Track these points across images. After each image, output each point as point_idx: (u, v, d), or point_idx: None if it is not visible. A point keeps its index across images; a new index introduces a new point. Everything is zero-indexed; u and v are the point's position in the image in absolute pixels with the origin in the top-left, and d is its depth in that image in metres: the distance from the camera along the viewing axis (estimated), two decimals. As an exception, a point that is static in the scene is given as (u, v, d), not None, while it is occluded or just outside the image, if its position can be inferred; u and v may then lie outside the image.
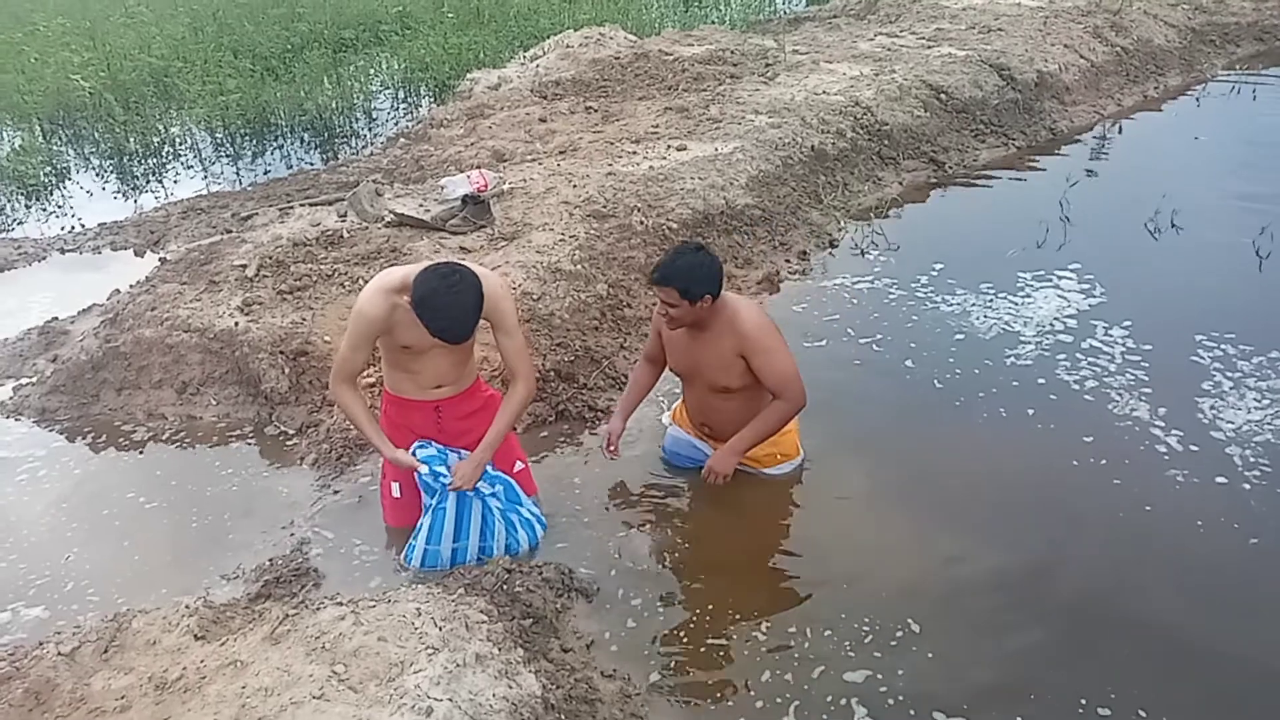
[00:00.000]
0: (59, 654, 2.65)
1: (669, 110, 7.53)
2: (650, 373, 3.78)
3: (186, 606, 2.86)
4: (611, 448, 3.70)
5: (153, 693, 2.50)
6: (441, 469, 3.24)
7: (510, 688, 2.57)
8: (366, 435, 3.28)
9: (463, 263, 3.02)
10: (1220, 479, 3.74)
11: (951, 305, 5.20)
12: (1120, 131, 8.30)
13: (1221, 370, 4.48)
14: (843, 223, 6.30)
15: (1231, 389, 4.33)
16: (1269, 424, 4.06)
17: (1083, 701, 2.81)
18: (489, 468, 3.33)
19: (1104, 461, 3.87)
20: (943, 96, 7.93)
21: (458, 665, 2.54)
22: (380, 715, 2.36)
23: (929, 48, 8.99)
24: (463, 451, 3.33)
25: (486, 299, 2.98)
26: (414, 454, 3.25)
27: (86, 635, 2.73)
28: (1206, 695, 2.85)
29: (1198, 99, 9.27)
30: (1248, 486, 3.70)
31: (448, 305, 2.88)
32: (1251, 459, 3.84)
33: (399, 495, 3.45)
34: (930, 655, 2.99)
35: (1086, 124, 8.44)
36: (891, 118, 7.44)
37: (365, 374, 4.04)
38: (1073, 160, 7.55)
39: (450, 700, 2.41)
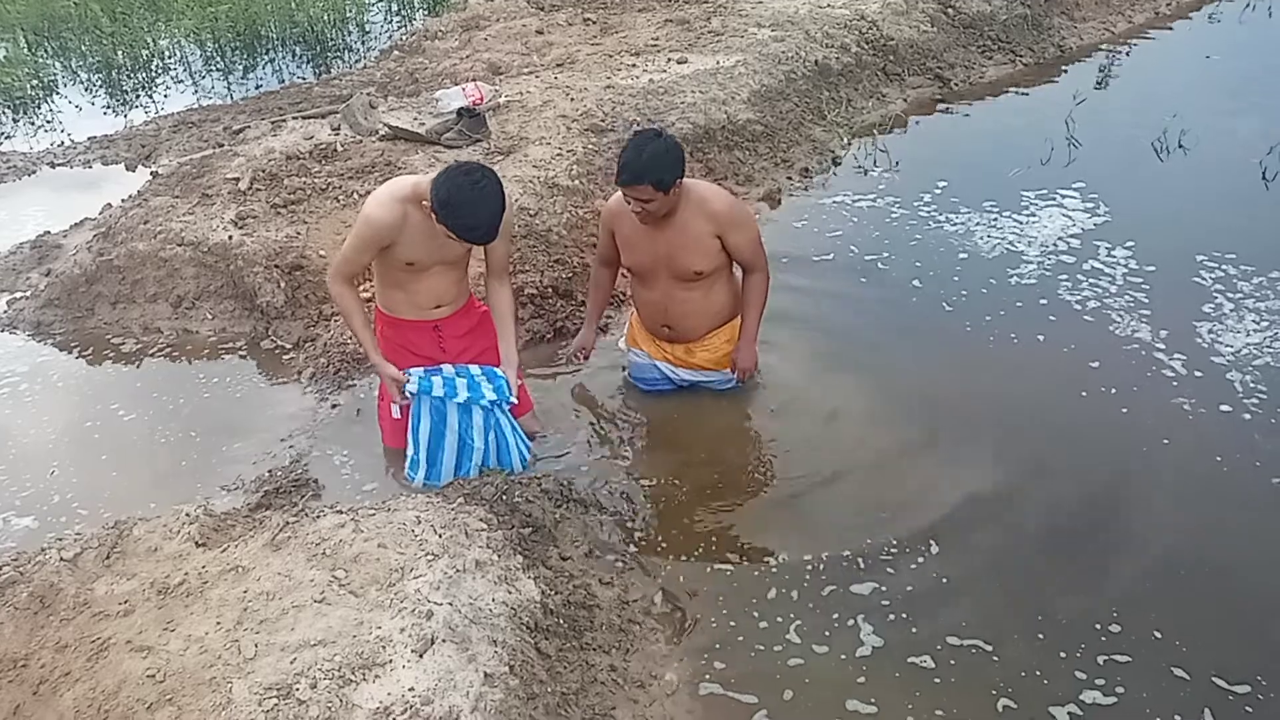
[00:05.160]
0: (61, 559, 2.67)
1: (669, 22, 7.35)
2: (609, 276, 3.70)
3: (187, 515, 2.87)
4: (584, 357, 3.80)
5: (155, 597, 2.52)
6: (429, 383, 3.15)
7: (510, 593, 2.60)
8: (359, 339, 3.20)
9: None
10: (1224, 407, 3.71)
11: (955, 224, 5.14)
12: (1130, 49, 8.10)
13: (1222, 291, 4.44)
14: (846, 139, 6.20)
15: (1232, 310, 4.30)
16: (1268, 347, 4.05)
17: (1096, 626, 2.79)
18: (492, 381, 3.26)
19: (1113, 390, 3.82)
20: (950, 11, 7.72)
21: (457, 571, 2.56)
22: (381, 618, 2.38)
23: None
24: (468, 368, 3.24)
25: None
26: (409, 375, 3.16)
27: (88, 542, 2.75)
28: (1222, 618, 2.82)
29: (1211, 16, 9.03)
30: (1248, 417, 3.66)
31: (474, 202, 2.76)
32: (1251, 384, 3.82)
33: (398, 416, 3.37)
34: (945, 580, 2.98)
35: (1096, 41, 8.23)
36: (897, 32, 7.26)
37: (360, 287, 3.97)
38: (1081, 78, 7.38)
39: (450, 604, 2.44)
